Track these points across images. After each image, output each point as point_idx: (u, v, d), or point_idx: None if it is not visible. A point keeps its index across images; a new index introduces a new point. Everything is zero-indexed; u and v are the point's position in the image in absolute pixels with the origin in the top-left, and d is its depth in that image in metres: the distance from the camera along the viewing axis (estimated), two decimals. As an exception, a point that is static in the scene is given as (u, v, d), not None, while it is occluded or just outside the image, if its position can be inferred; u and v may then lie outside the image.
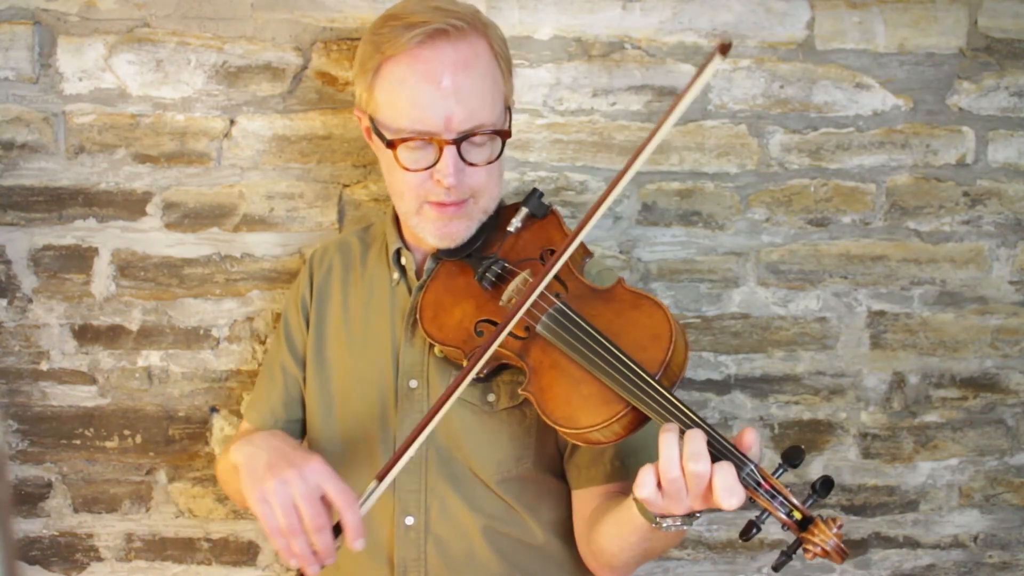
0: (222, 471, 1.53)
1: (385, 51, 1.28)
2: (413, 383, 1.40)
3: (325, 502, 1.16)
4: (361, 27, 1.67)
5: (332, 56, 1.68)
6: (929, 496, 1.87)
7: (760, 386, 1.81)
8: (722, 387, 1.80)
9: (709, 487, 1.07)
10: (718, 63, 1.07)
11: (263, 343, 1.75)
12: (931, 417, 1.84)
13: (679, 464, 1.07)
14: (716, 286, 1.78)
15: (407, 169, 1.30)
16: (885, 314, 1.81)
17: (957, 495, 1.87)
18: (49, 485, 1.78)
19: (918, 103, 1.75)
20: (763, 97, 1.73)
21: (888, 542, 1.87)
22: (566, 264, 1.31)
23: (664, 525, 1.14)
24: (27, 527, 1.78)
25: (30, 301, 1.72)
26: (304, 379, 1.51)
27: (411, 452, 1.19)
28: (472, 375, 1.22)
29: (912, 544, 1.88)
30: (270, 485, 1.14)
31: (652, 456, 1.11)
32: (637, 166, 1.15)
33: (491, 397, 1.37)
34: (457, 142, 1.28)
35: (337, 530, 1.16)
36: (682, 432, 1.10)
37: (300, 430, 1.55)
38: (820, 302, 1.80)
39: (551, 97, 1.70)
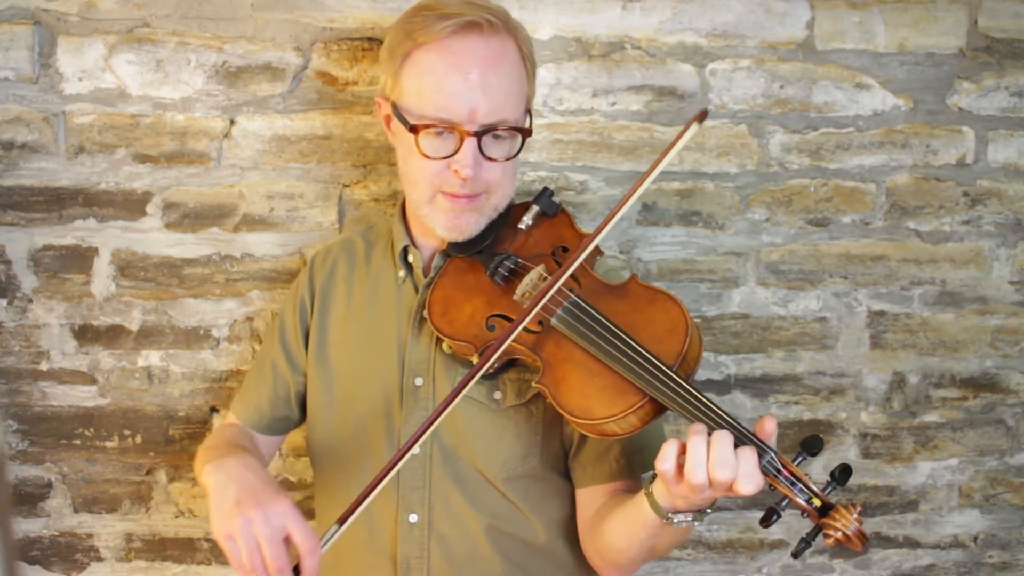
0: (200, 472, 1.42)
1: (416, 38, 1.30)
2: (419, 380, 1.40)
3: (289, 543, 1.17)
4: (361, 27, 1.67)
5: (332, 56, 1.68)
6: (929, 496, 1.87)
7: (760, 386, 1.81)
8: (722, 387, 1.80)
9: None
10: (695, 129, 1.22)
11: (263, 343, 1.75)
12: (931, 417, 1.84)
13: (706, 469, 1.08)
14: (716, 286, 1.78)
15: (427, 156, 1.31)
16: (885, 314, 1.81)
17: (957, 495, 1.87)
18: (49, 485, 1.78)
19: (918, 103, 1.75)
20: (763, 97, 1.73)
21: (888, 542, 1.87)
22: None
23: (675, 521, 1.15)
24: (27, 527, 1.78)
25: (30, 301, 1.72)
26: (293, 380, 1.51)
27: (393, 471, 1.20)
28: (482, 372, 1.23)
29: (912, 544, 1.88)
30: (236, 523, 1.16)
31: (656, 454, 1.12)
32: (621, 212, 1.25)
33: (497, 395, 1.37)
34: (478, 134, 1.29)
35: (297, 570, 1.17)
36: (709, 432, 1.10)
37: (286, 427, 1.55)
38: (820, 302, 1.80)
39: (551, 97, 1.70)
